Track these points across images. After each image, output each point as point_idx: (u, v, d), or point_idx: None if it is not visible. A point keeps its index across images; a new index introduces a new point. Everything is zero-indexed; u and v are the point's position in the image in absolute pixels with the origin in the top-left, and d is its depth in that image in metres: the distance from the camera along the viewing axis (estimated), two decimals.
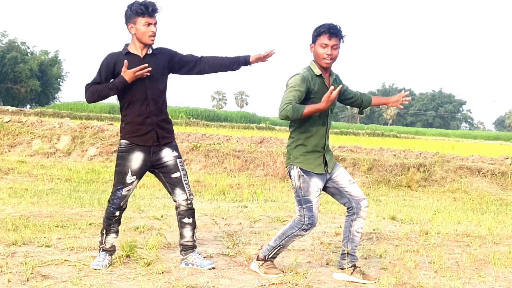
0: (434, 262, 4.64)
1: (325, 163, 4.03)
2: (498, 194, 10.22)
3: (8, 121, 14.64)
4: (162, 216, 6.41)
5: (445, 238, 5.82)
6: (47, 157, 12.32)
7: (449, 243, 5.61)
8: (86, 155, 12.53)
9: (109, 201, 4.18)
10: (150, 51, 4.07)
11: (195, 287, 3.74)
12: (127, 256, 4.37)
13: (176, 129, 20.47)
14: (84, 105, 57.51)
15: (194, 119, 45.46)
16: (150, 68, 3.93)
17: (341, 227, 6.12)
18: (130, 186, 4.11)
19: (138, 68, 3.87)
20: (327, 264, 4.55)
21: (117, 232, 4.26)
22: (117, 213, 4.17)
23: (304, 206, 3.98)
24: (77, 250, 4.59)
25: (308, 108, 3.72)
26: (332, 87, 3.69)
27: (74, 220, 5.89)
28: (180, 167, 4.15)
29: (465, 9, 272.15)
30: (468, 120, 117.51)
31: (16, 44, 66.80)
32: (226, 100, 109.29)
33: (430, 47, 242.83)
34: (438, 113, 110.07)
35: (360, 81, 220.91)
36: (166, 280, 3.85)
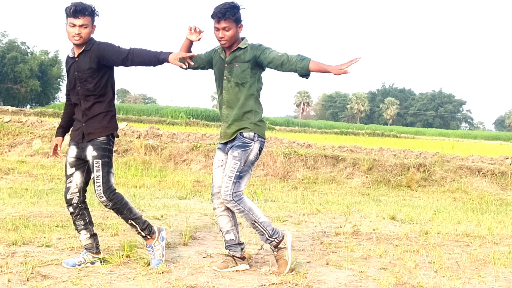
0: (434, 262, 4.64)
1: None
2: (498, 194, 10.23)
3: (8, 121, 14.65)
4: (162, 216, 6.41)
5: (445, 238, 5.82)
6: (47, 157, 12.31)
7: (449, 243, 5.61)
8: None
9: None
10: (81, 50, 4.12)
11: (195, 287, 3.74)
12: (127, 256, 4.37)
13: (176, 129, 20.54)
14: None
15: (194, 119, 45.48)
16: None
17: (341, 227, 6.12)
18: (71, 178, 4.21)
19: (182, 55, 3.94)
20: (327, 264, 4.55)
21: (87, 229, 4.24)
22: (71, 209, 4.22)
23: None
24: (77, 250, 4.59)
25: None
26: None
27: None
28: (95, 169, 4.10)
29: (465, 9, 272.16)
30: (468, 120, 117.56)
31: (16, 44, 66.84)
32: None
33: (430, 47, 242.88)
34: (438, 113, 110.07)
35: (360, 81, 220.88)
36: (166, 280, 3.85)
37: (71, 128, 4.33)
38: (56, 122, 14.74)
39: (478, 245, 5.49)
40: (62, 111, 4.49)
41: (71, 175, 4.20)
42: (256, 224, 4.14)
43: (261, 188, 9.52)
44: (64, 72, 72.27)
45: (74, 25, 4.01)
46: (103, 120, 4.17)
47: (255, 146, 4.13)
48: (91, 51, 4.10)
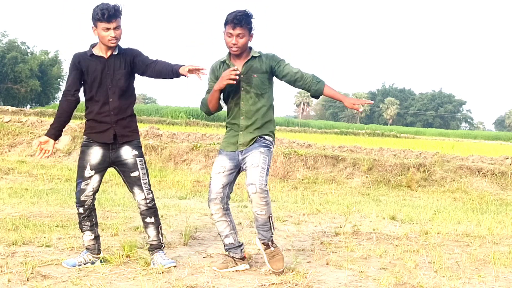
0: (434, 262, 4.64)
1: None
2: (498, 194, 10.22)
3: (8, 121, 14.63)
4: (162, 216, 6.38)
5: (445, 238, 5.82)
6: (47, 157, 12.31)
7: (449, 243, 5.61)
8: None
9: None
10: (116, 52, 4.14)
11: (195, 287, 3.74)
12: (127, 256, 4.37)
13: (176, 129, 20.53)
14: (84, 105, 57.43)
15: (194, 119, 45.52)
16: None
17: (341, 227, 6.12)
18: (89, 181, 4.12)
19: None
20: (327, 264, 4.55)
21: (92, 231, 4.24)
22: (81, 210, 4.16)
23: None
24: (77, 250, 4.59)
25: (209, 97, 4.12)
26: (233, 68, 3.95)
27: (74, 220, 5.88)
28: (139, 166, 4.16)
29: (464, 9, 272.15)
30: (468, 120, 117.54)
31: (16, 44, 66.83)
32: None
33: (430, 47, 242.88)
34: (438, 113, 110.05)
35: (360, 81, 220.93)
36: (166, 280, 3.85)
37: (92, 130, 4.15)
38: None
39: (478, 245, 5.49)
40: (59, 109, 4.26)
41: (90, 177, 4.12)
42: (270, 219, 4.10)
43: None
44: (64, 72, 71.03)
45: (109, 29, 3.99)
46: (132, 123, 4.23)
47: (272, 150, 4.22)
48: (125, 55, 4.13)
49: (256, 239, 4.25)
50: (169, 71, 4.09)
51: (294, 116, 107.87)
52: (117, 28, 4.02)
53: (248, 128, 4.12)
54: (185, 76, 4.01)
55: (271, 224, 4.12)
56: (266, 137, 4.16)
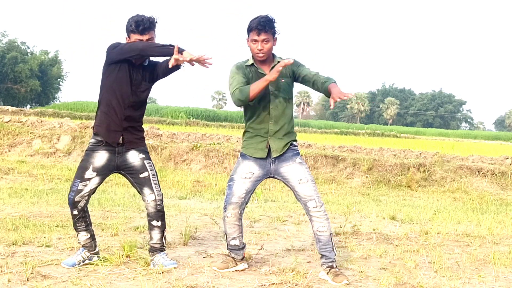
0: (434, 262, 4.65)
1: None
2: (498, 194, 10.22)
3: (8, 121, 14.63)
4: None
5: (445, 238, 5.82)
6: (47, 157, 12.31)
7: (449, 243, 5.62)
8: None
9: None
10: (146, 62, 4.14)
11: (195, 287, 3.74)
12: (127, 256, 4.37)
13: (176, 129, 20.54)
14: (84, 105, 57.56)
15: (194, 119, 45.55)
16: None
17: (341, 227, 6.12)
18: (88, 182, 4.07)
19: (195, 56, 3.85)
20: None
21: (87, 231, 4.22)
22: (75, 212, 4.11)
23: (227, 184, 4.17)
24: (77, 250, 4.59)
25: (253, 85, 3.94)
26: (284, 62, 3.85)
27: None
28: (148, 167, 4.16)
29: (464, 9, 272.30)
30: (468, 120, 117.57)
31: (16, 44, 66.91)
32: (226, 100, 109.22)
33: (430, 47, 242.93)
34: (438, 113, 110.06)
35: (360, 81, 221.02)
36: (166, 280, 3.85)
37: (103, 124, 4.07)
38: (56, 122, 14.72)
39: (478, 245, 5.49)
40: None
41: (89, 179, 4.08)
42: (332, 237, 4.08)
43: (261, 188, 9.52)
44: (64, 72, 70.56)
45: (141, 41, 3.98)
46: (140, 133, 4.22)
47: None
48: (149, 65, 4.12)
49: (321, 274, 4.10)
50: (167, 67, 4.06)
51: (294, 116, 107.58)
52: (150, 40, 4.01)
53: (277, 133, 4.09)
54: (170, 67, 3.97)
55: (333, 244, 4.09)
56: (295, 143, 4.19)
